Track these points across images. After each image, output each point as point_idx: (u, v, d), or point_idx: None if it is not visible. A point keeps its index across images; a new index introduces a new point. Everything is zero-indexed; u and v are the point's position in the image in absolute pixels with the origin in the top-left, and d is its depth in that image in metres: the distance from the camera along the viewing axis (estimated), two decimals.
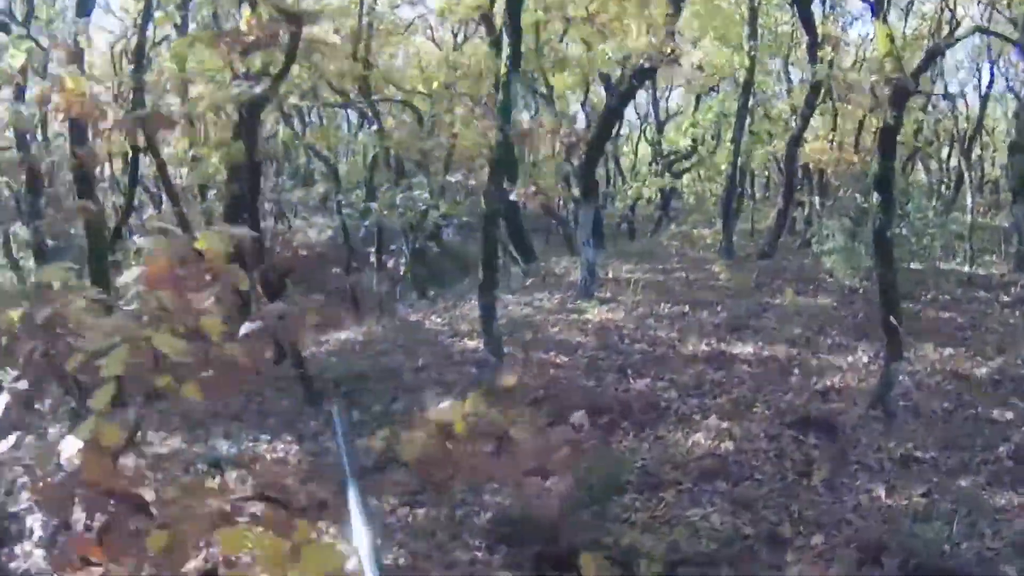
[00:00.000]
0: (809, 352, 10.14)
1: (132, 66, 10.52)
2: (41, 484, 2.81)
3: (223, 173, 12.21)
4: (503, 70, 9.25)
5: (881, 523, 6.20)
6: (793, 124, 17.29)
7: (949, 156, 26.23)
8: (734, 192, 17.32)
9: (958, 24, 17.27)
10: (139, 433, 3.18)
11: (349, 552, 3.00)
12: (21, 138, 14.10)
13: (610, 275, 15.19)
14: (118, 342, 2.64)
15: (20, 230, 18.23)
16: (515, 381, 6.31)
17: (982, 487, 6.65)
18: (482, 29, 17.57)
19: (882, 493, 6.58)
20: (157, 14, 10.72)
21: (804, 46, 15.71)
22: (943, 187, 23.82)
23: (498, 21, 13.88)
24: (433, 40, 24.14)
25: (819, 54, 14.88)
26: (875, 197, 7.74)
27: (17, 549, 6.57)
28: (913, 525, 6.10)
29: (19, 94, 12.26)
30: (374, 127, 21.35)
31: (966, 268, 16.29)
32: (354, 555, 3.06)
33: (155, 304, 2.82)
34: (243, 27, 6.76)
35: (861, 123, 18.61)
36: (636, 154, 32.96)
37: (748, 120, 19.86)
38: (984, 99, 19.83)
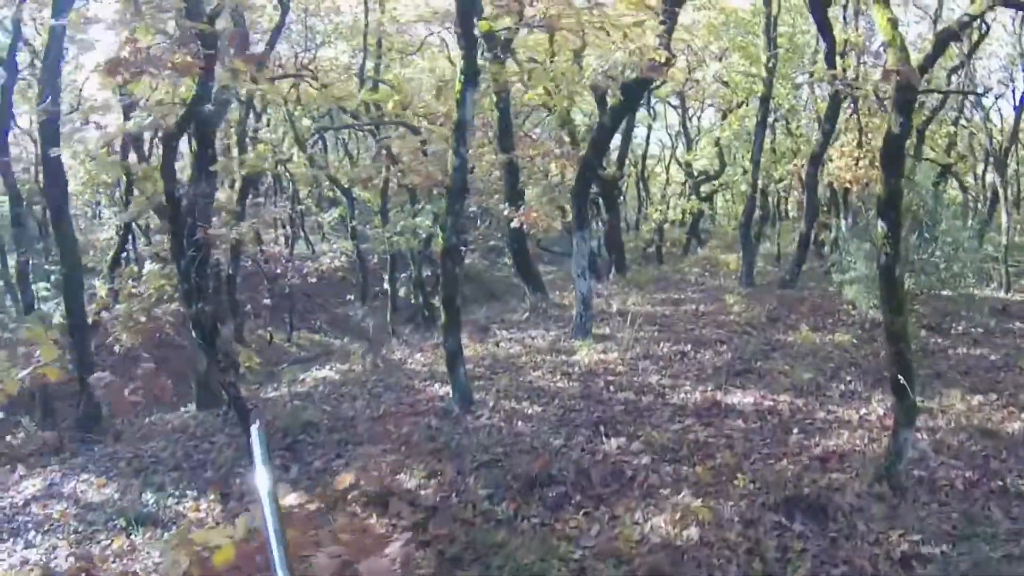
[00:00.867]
0: (817, 403, 8.93)
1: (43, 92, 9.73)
2: None
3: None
4: (458, 86, 8.25)
5: None
6: (815, 140, 16.02)
7: (984, 173, 24.66)
8: (752, 215, 16.05)
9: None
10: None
11: None
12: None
13: (615, 308, 14.08)
14: None
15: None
16: (350, 481, 5.32)
17: None
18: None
19: None
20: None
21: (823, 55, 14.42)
22: (978, 205, 22.19)
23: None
24: (449, 59, 23.31)
25: (839, 64, 13.64)
26: (880, 225, 6.49)
27: None
28: None
29: None
30: (383, 152, 20.46)
31: (1001, 294, 14.88)
32: None
33: None
34: (124, 53, 5.83)
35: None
36: (668, 176, 31.82)
37: (770, 137, 18.70)
38: (1020, 109, 18.21)
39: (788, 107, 19.33)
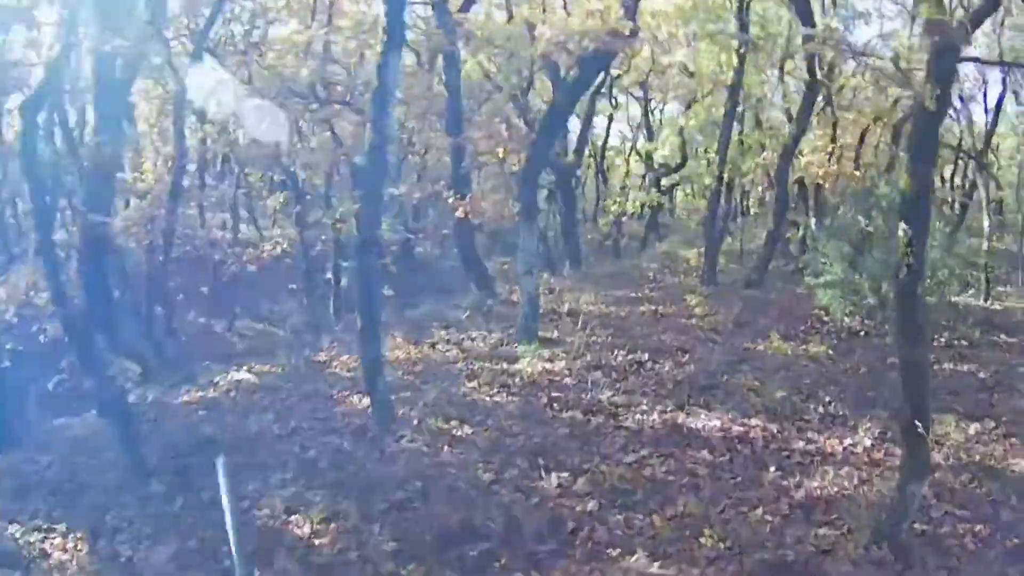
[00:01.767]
0: (794, 428, 7.73)
1: None
2: None
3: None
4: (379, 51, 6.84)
5: None
6: (787, 133, 14.85)
7: (953, 175, 23.78)
8: (717, 210, 14.86)
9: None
10: None
11: None
12: None
13: (566, 307, 12.77)
14: None
15: None
16: None
17: None
18: None
19: None
20: None
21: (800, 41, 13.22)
22: (947, 208, 21.29)
23: None
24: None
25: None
26: (901, 229, 5.10)
27: None
28: None
29: None
30: (326, 133, 18.82)
31: (981, 302, 13.90)
32: None
33: None
34: None
35: (863, 134, 16.16)
36: (628, 168, 30.60)
37: (738, 128, 17.55)
38: (996, 109, 17.28)
39: (757, 99, 18.14)
